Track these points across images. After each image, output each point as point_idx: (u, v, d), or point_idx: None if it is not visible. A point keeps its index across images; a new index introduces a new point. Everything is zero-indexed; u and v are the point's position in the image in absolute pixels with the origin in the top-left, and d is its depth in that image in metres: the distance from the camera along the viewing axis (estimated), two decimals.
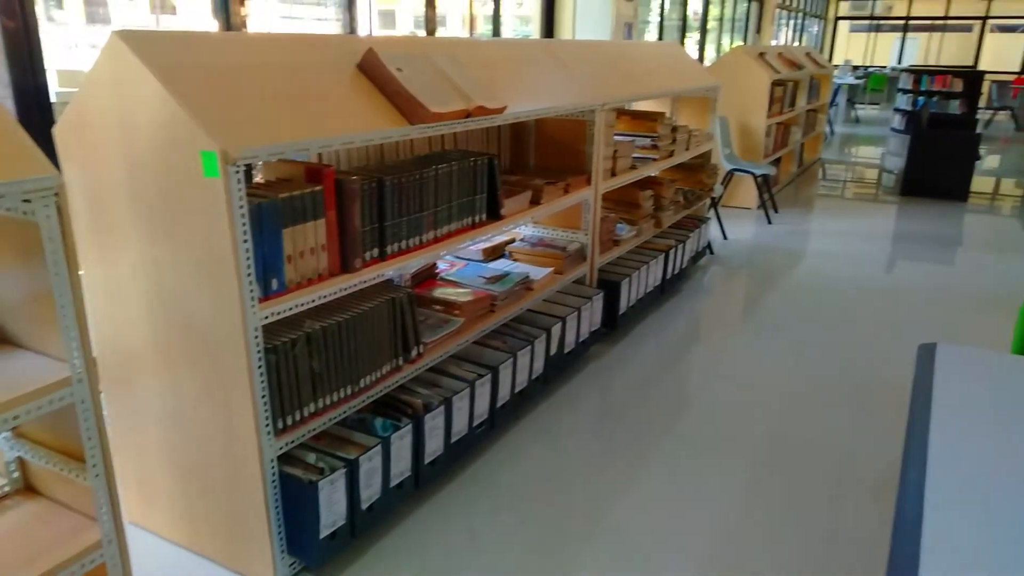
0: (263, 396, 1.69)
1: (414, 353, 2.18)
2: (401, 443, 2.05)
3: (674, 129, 3.97)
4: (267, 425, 1.71)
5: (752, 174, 5.72)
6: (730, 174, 5.84)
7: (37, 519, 1.48)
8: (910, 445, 1.26)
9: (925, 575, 0.93)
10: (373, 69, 2.01)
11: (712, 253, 4.99)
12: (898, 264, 4.85)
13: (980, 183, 7.87)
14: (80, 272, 1.29)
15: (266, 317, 1.66)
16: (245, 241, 1.58)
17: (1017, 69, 15.51)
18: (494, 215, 2.50)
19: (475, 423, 2.41)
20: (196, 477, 1.88)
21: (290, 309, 1.73)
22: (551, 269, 3.02)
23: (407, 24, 5.93)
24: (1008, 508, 1.06)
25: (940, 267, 4.78)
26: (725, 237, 5.39)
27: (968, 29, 16.79)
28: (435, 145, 2.79)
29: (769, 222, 5.93)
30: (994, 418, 1.32)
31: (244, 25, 3.33)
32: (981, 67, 15.04)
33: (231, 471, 1.79)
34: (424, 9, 4.79)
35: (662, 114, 3.92)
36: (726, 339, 3.56)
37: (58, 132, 1.76)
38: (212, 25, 3.30)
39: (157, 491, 2.00)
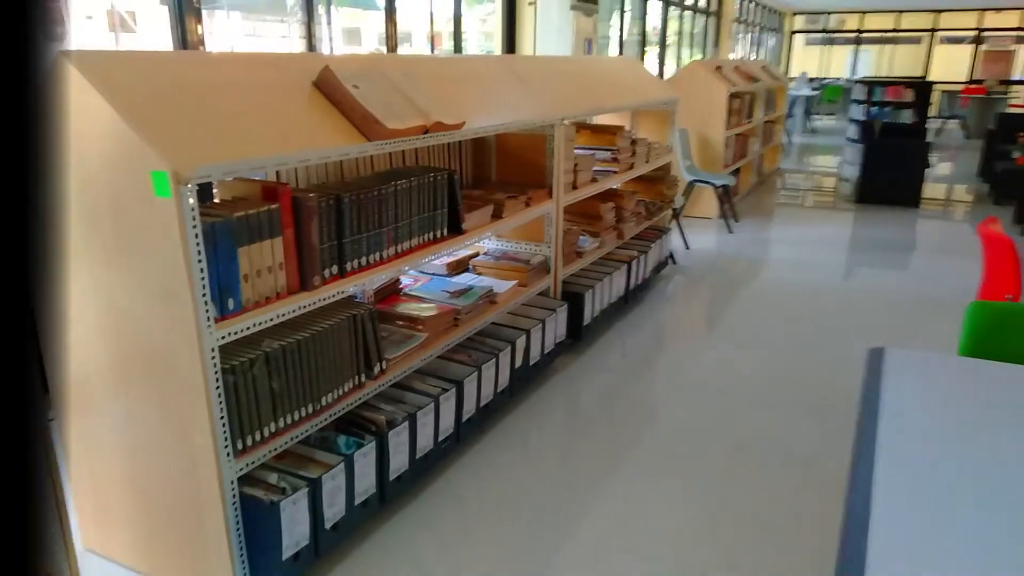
0: (221, 417, 1.67)
1: (377, 370, 2.17)
2: (365, 460, 2.03)
3: (634, 142, 4.03)
4: (226, 446, 1.69)
5: (712, 185, 5.82)
6: (691, 185, 5.94)
7: None
8: (858, 449, 1.30)
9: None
10: (329, 87, 2.02)
11: (675, 263, 5.06)
12: (856, 270, 4.96)
13: (932, 190, 8.11)
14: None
15: (223, 337, 1.65)
16: (199, 261, 1.56)
17: (965, 79, 16.04)
18: (455, 230, 2.51)
19: (440, 438, 2.40)
20: (154, 501, 1.85)
21: (247, 328, 1.72)
22: (515, 282, 3.04)
23: (372, 41, 5.94)
24: (953, 508, 1.10)
25: (895, 272, 4.91)
26: (687, 247, 5.47)
27: (917, 41, 17.34)
28: (396, 161, 2.79)
29: (730, 231, 6.03)
30: (940, 419, 1.36)
31: (201, 44, 3.31)
32: (931, 78, 15.53)
33: (190, 494, 1.76)
34: (385, 26, 4.81)
35: (621, 128, 3.98)
36: (690, 347, 3.61)
37: None
38: (171, 44, 3.27)
39: (114, 516, 1.95)
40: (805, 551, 2.11)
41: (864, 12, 17.15)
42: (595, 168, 3.71)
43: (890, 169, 7.08)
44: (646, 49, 8.56)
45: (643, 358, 3.47)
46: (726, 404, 3.01)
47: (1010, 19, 15.84)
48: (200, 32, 3.30)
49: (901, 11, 16.79)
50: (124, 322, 1.69)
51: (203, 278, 1.58)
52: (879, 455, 1.26)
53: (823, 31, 18.32)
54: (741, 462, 2.57)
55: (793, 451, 2.65)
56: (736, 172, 7.08)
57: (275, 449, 1.84)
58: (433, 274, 3.08)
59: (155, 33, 3.52)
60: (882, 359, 1.62)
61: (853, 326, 3.91)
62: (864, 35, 17.66)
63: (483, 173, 3.30)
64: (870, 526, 1.06)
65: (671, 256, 4.95)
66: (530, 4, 5.66)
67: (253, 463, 1.78)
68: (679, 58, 10.29)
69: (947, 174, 9.42)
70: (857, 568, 0.98)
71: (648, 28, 8.62)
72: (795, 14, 17.99)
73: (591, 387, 3.15)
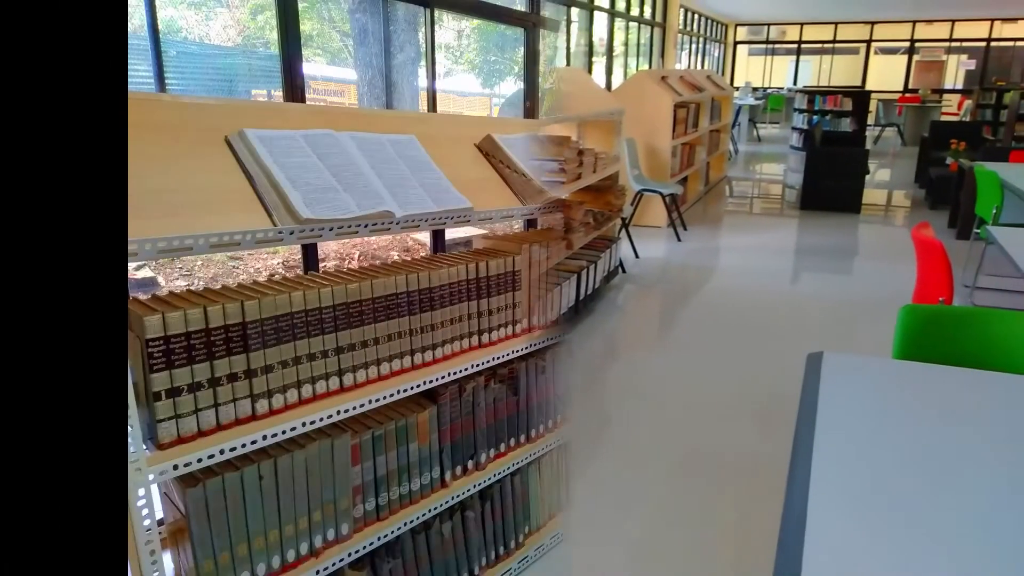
0: None
1: None
2: None
3: (580, 152, 4.04)
4: None
5: (660, 194, 5.90)
6: (639, 194, 6.00)
7: None
8: (796, 452, 1.31)
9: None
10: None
11: (624, 272, 5.10)
12: (800, 276, 5.08)
13: (872, 196, 8.37)
14: None
15: None
16: None
17: (900, 88, 16.66)
18: None
19: None
20: None
21: None
22: None
23: None
24: (887, 507, 1.11)
25: (838, 276, 5.04)
26: (637, 256, 5.53)
27: (855, 52, 17.96)
28: None
29: (679, 239, 6.12)
30: (873, 421, 1.38)
31: None
32: (868, 87, 16.08)
33: None
34: None
35: (568, 138, 4.00)
36: (640, 356, 3.63)
37: None
38: None
39: None
40: (753, 553, 2.13)
41: (803, 24, 17.68)
42: (542, 179, 3.71)
43: (832, 176, 7.28)
44: (593, 60, 8.66)
45: (594, 367, 3.48)
46: (678, 412, 3.03)
47: (941, 31, 16.52)
48: None
49: (838, 23, 17.37)
50: None
51: None
52: (816, 457, 1.27)
53: (765, 42, 18.83)
54: (695, 469, 2.59)
55: (747, 456, 2.67)
56: (683, 181, 7.19)
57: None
58: None
59: None
60: (820, 364, 1.64)
61: (798, 331, 3.99)
62: (804, 46, 18.20)
63: None
64: (807, 526, 1.06)
65: (621, 265, 4.99)
66: None
67: None
68: (626, 68, 10.44)
69: (886, 180, 9.74)
70: (793, 567, 0.98)
71: (595, 39, 8.73)
72: (738, 25, 18.45)
73: None
